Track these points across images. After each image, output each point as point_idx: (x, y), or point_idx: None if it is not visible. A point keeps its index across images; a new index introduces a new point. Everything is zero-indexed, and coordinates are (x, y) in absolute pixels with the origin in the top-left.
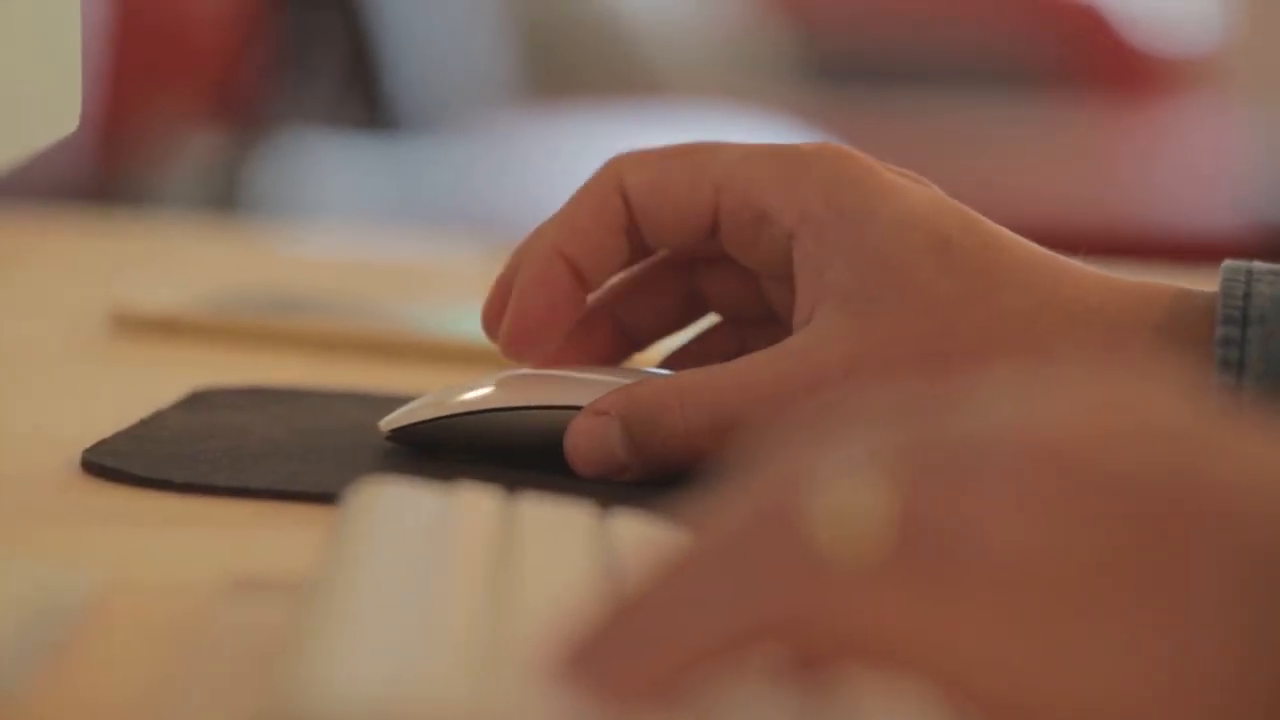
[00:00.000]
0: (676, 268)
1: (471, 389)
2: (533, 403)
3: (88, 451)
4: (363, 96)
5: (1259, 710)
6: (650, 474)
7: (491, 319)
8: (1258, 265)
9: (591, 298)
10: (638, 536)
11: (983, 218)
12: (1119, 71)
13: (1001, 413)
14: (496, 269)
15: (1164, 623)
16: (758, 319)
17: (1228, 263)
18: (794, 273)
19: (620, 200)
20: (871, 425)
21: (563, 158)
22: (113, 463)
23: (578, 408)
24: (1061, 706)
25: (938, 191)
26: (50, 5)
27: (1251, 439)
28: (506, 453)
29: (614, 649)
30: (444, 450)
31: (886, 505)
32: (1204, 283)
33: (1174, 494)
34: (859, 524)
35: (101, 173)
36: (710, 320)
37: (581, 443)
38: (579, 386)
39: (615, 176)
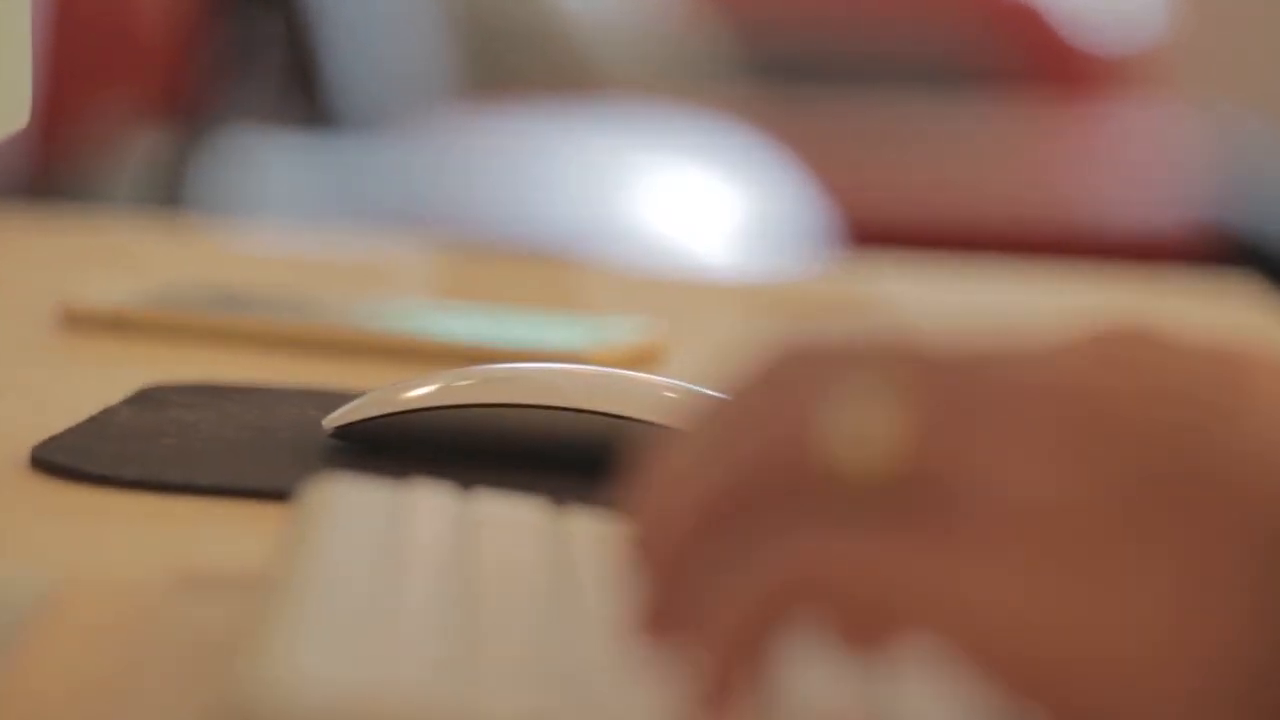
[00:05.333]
0: None
1: (416, 386)
2: (479, 400)
3: (37, 448)
4: (304, 94)
5: (1256, 677)
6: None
7: None
8: None
9: None
10: (591, 532)
11: None
12: (1060, 71)
13: (1029, 356)
14: (442, 267)
15: (1172, 583)
16: None
17: None
18: None
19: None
20: (894, 355)
21: (503, 154)
22: (63, 460)
23: (523, 405)
24: (1063, 658)
25: None
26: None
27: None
28: (452, 450)
29: (671, 621)
30: (389, 448)
31: (901, 445)
32: (1148, 282)
33: (1196, 457)
34: (873, 464)
35: (43, 170)
36: None
37: None
38: (524, 383)
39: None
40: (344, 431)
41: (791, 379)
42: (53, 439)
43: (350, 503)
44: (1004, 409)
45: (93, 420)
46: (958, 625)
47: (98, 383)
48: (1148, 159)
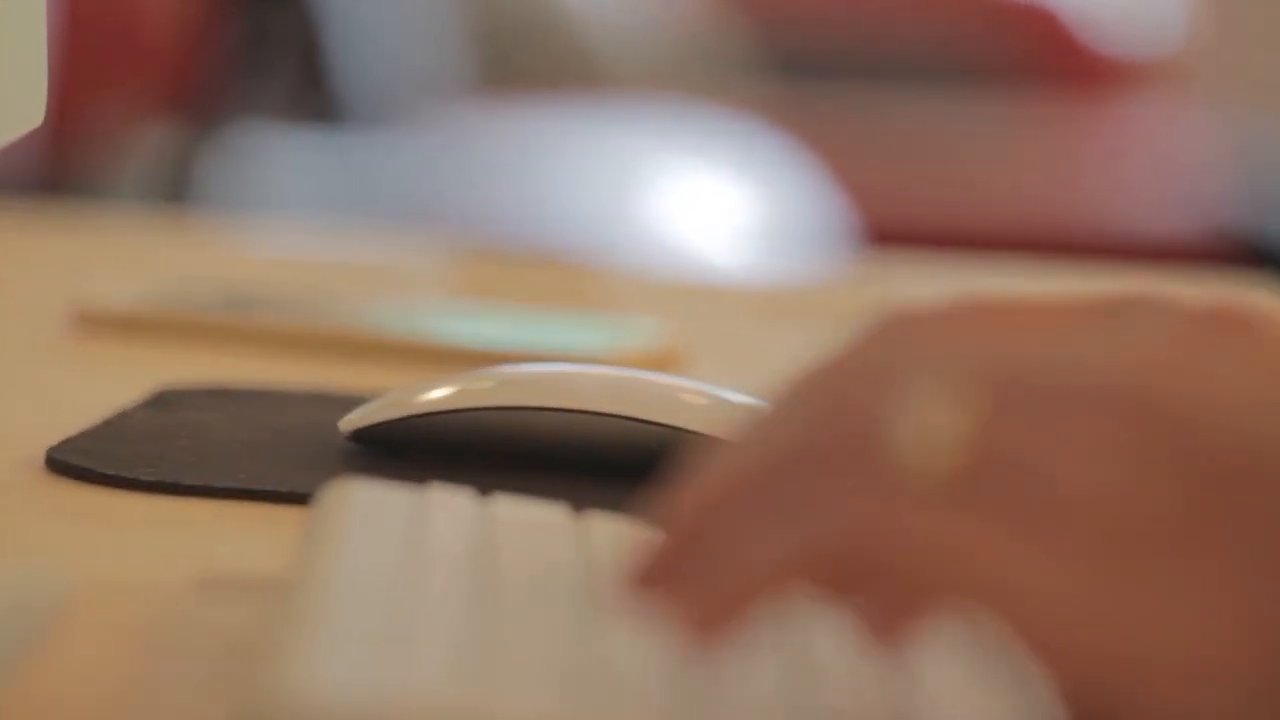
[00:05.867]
0: None
1: (433, 389)
2: (497, 403)
3: (52, 450)
4: (314, 91)
5: None
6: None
7: None
8: None
9: None
10: (612, 536)
11: None
12: (1078, 72)
13: (1093, 350)
14: (457, 267)
15: (1235, 580)
16: None
17: None
18: None
19: None
20: (956, 353)
21: (515, 152)
22: (78, 461)
23: (542, 408)
24: (1118, 650)
25: None
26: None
27: None
28: (468, 453)
29: (686, 565)
30: (405, 451)
31: (965, 430)
32: (1163, 284)
33: (1259, 454)
34: (936, 445)
35: (54, 166)
36: None
37: None
38: (543, 386)
39: None
40: (360, 434)
41: (862, 367)
42: (68, 441)
43: (369, 506)
44: (1066, 405)
45: (107, 422)
46: (1014, 610)
47: (111, 384)
48: (1164, 161)
